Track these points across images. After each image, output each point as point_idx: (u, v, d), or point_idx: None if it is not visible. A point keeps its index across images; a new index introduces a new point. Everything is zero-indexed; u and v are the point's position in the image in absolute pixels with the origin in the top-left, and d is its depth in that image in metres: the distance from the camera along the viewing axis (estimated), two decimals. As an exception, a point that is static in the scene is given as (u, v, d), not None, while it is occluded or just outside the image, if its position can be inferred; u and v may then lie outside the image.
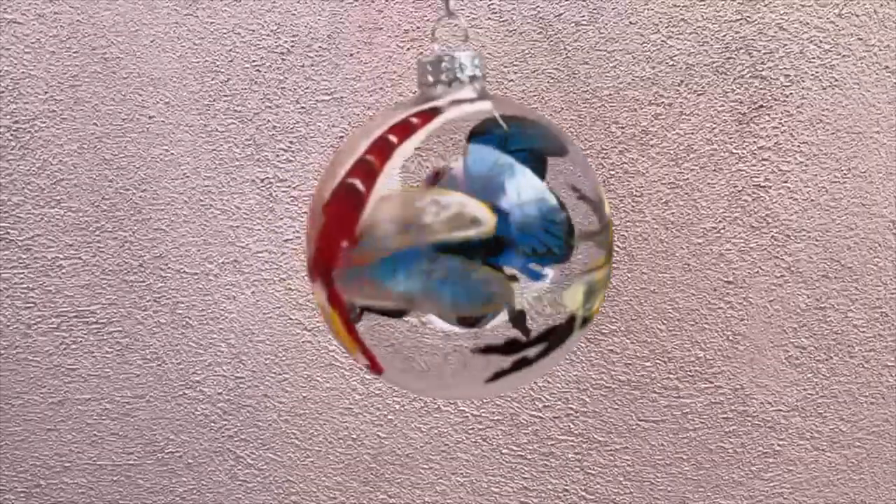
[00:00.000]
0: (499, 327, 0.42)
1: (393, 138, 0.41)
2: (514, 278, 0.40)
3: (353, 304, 0.41)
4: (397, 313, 0.42)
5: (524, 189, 0.40)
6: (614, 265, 0.81)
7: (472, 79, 0.44)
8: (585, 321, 0.43)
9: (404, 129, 0.41)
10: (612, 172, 0.79)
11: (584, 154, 0.80)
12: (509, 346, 0.42)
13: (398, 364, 0.44)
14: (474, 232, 0.39)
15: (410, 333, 0.43)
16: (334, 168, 0.42)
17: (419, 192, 0.41)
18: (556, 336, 0.42)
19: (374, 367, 0.43)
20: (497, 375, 0.42)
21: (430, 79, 0.44)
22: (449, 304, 0.40)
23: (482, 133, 0.42)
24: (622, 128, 0.78)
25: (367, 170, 0.40)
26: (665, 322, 0.83)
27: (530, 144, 0.42)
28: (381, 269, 0.40)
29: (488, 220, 0.40)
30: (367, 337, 0.42)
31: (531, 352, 0.42)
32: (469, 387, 0.46)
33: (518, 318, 0.41)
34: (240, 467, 0.89)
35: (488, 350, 0.42)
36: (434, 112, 0.42)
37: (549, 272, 0.41)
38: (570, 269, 0.42)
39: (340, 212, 0.40)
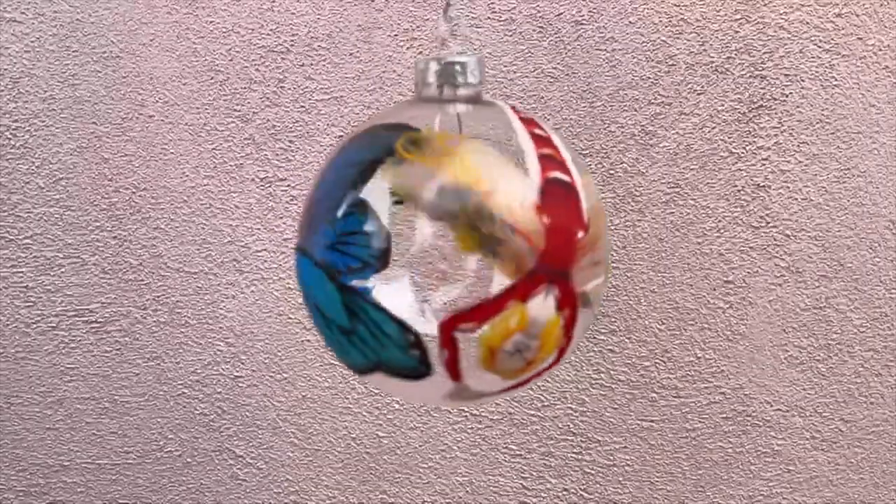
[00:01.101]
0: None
1: (538, 131, 0.42)
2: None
3: (586, 294, 0.41)
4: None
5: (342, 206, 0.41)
6: (615, 264, 0.81)
7: (469, 84, 0.44)
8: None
9: (531, 122, 0.43)
10: (612, 172, 0.79)
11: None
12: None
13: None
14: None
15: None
16: (478, 175, 0.40)
17: (585, 173, 0.43)
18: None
19: (563, 354, 0.42)
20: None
21: (435, 80, 0.44)
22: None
23: None
24: (622, 127, 0.78)
25: (556, 162, 0.41)
26: (665, 322, 0.83)
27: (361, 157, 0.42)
28: (603, 246, 0.42)
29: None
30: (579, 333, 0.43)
31: None
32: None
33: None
34: (239, 466, 0.89)
35: None
36: (516, 108, 0.44)
37: (372, 283, 0.40)
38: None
39: (564, 206, 0.40)
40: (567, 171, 0.41)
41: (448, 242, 0.40)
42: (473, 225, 0.39)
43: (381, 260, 0.40)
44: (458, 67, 0.44)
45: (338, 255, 0.41)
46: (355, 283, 0.40)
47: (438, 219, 0.39)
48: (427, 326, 0.40)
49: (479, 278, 0.40)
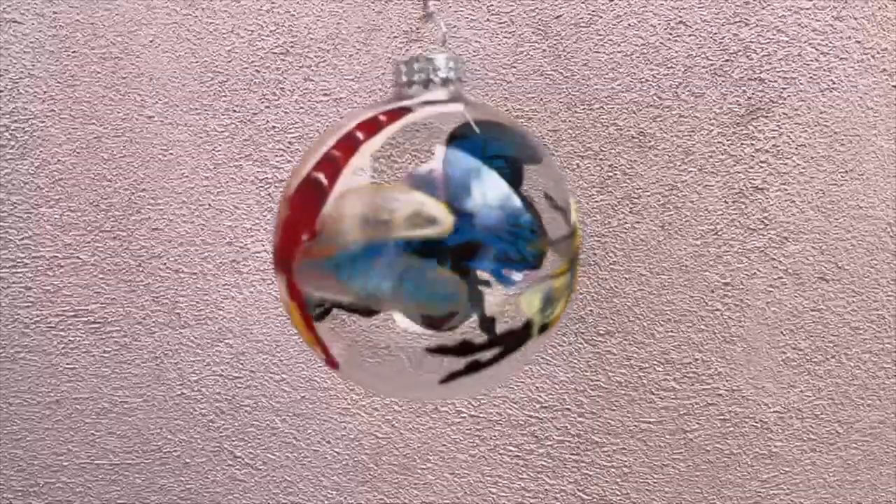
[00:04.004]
0: (458, 329, 0.42)
1: (359, 135, 0.42)
2: (486, 283, 0.41)
3: (311, 296, 0.42)
4: (364, 310, 0.42)
5: (495, 194, 0.40)
6: (613, 266, 0.82)
7: (446, 81, 0.44)
8: (544, 328, 0.43)
9: (371, 127, 0.42)
10: (611, 174, 0.79)
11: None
12: (462, 348, 0.42)
13: (355, 360, 0.44)
14: (431, 231, 0.40)
15: (368, 331, 0.43)
16: (303, 163, 0.43)
17: (380, 189, 0.41)
18: (511, 341, 0.42)
19: (329, 362, 0.43)
20: (451, 377, 0.42)
21: (404, 79, 0.44)
22: (405, 302, 0.41)
23: (461, 137, 0.42)
24: (620, 129, 0.78)
25: (332, 165, 0.41)
26: (663, 323, 0.83)
27: (507, 152, 0.42)
28: (338, 262, 0.41)
29: (445, 220, 0.40)
30: (327, 331, 0.42)
31: (485, 355, 0.42)
32: (423, 387, 0.46)
33: (487, 324, 0.42)
34: (237, 467, 0.89)
35: (441, 350, 0.42)
36: (403, 111, 0.42)
37: (520, 277, 0.41)
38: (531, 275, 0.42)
39: (304, 205, 0.41)
40: (333, 176, 0.41)
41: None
42: None
43: (538, 262, 0.43)
44: (434, 66, 0.44)
45: (503, 242, 0.44)
46: (505, 272, 0.43)
47: None
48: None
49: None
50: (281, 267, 0.42)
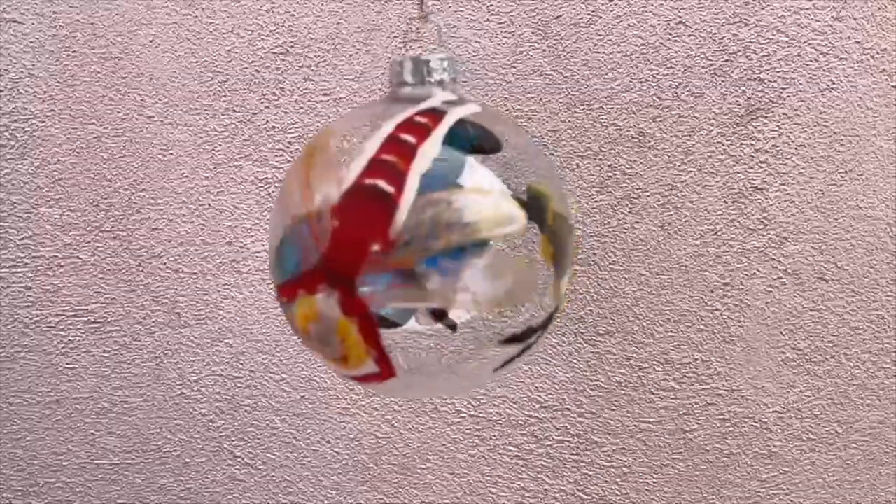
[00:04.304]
0: (519, 317, 0.42)
1: (409, 138, 0.40)
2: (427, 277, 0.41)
3: (384, 308, 0.40)
4: (440, 313, 0.41)
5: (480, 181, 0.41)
6: (612, 266, 0.82)
7: (442, 82, 0.44)
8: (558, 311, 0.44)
9: (418, 130, 0.41)
10: (610, 174, 0.79)
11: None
12: (526, 334, 0.42)
13: (416, 365, 0.43)
14: (511, 228, 0.40)
15: (402, 336, 0.42)
16: (322, 170, 0.41)
17: (453, 191, 0.40)
18: (547, 324, 0.43)
19: (387, 373, 0.41)
20: (506, 363, 0.42)
21: (409, 79, 0.44)
22: (491, 295, 0.41)
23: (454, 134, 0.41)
24: (620, 130, 0.79)
25: (391, 170, 0.39)
26: (662, 323, 0.83)
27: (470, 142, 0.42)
28: (421, 270, 0.39)
29: (521, 216, 0.40)
30: (395, 342, 0.41)
31: (534, 337, 0.43)
32: (477, 379, 0.45)
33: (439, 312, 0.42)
34: (237, 467, 0.89)
35: (512, 340, 0.42)
36: (438, 113, 0.42)
37: (458, 266, 0.40)
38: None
39: (364, 215, 0.39)
40: (397, 183, 0.39)
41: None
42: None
43: None
44: (431, 66, 0.44)
45: None
46: None
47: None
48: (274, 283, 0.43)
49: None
50: (327, 283, 0.39)
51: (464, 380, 0.46)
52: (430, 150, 0.40)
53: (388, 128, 0.40)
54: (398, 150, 0.39)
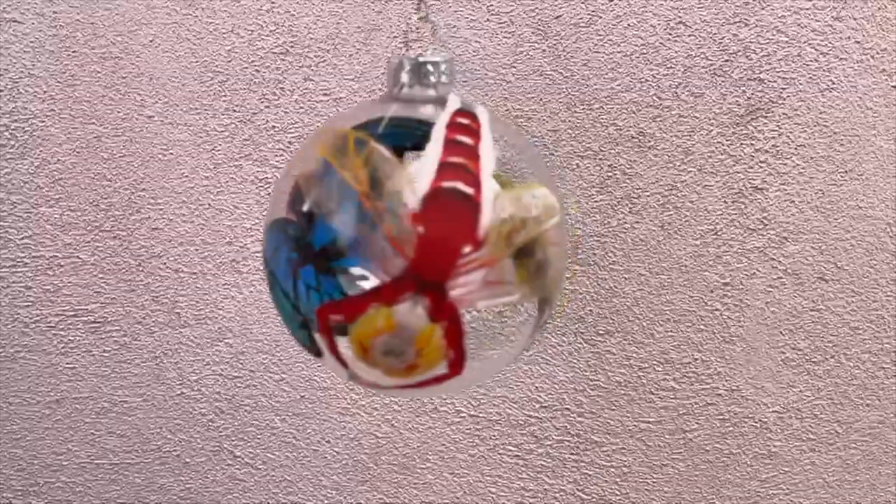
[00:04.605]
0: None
1: (465, 139, 0.41)
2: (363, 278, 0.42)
3: (473, 308, 0.41)
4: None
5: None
6: (612, 266, 0.82)
7: (440, 84, 0.45)
8: None
9: (467, 131, 0.42)
10: (610, 174, 0.80)
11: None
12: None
13: (482, 354, 0.44)
14: (556, 218, 0.41)
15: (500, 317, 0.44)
16: (403, 176, 0.40)
17: (518, 188, 0.42)
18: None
19: (455, 372, 0.42)
20: (535, 329, 0.45)
21: (406, 79, 0.45)
22: (551, 285, 0.43)
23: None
24: (620, 130, 0.79)
25: (464, 172, 0.40)
26: (662, 323, 0.83)
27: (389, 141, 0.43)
28: (506, 266, 0.41)
29: (558, 206, 0.42)
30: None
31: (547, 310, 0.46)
32: (518, 352, 0.47)
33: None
34: (237, 466, 0.89)
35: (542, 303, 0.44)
36: (471, 113, 0.43)
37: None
38: None
39: (450, 218, 0.39)
40: (474, 184, 0.40)
41: None
42: None
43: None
44: (429, 67, 0.45)
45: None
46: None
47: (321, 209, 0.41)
48: (308, 310, 0.42)
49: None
50: (419, 290, 0.39)
51: (495, 366, 0.47)
52: (488, 149, 0.41)
53: (440, 131, 0.41)
54: (462, 152, 0.40)
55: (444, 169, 0.40)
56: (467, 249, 0.39)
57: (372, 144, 0.41)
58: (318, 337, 0.42)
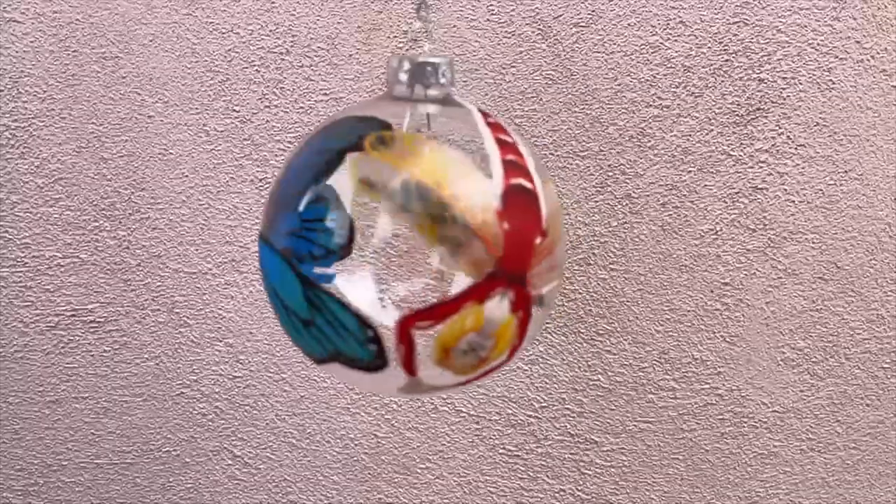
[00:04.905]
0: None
1: (504, 137, 0.43)
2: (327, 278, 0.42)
3: (540, 294, 0.43)
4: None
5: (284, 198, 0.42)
6: (612, 266, 0.82)
7: (442, 84, 0.46)
8: None
9: (500, 128, 0.44)
10: (610, 174, 0.80)
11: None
12: None
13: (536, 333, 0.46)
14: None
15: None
16: (475, 177, 0.41)
17: (544, 181, 0.44)
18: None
19: (511, 357, 0.44)
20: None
21: (408, 79, 0.45)
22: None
23: None
24: (620, 129, 0.79)
25: (519, 168, 0.42)
26: (662, 323, 0.83)
27: (331, 144, 0.43)
28: (559, 254, 0.44)
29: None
30: (538, 321, 0.44)
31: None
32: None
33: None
34: (237, 466, 0.89)
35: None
36: (487, 112, 0.45)
37: (334, 270, 0.41)
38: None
39: (521, 213, 0.41)
40: (529, 178, 0.42)
41: (409, 241, 0.41)
42: (434, 226, 0.40)
43: (345, 249, 0.41)
44: (429, 68, 0.45)
45: (302, 241, 0.41)
46: (317, 270, 0.41)
47: (400, 216, 0.41)
48: (385, 321, 0.41)
49: (440, 277, 0.41)
50: (508, 282, 0.40)
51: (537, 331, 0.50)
52: (524, 145, 0.44)
53: (483, 129, 0.43)
54: (510, 150, 0.43)
55: (507, 166, 0.42)
56: (538, 240, 0.41)
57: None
58: (392, 348, 0.41)
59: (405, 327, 0.41)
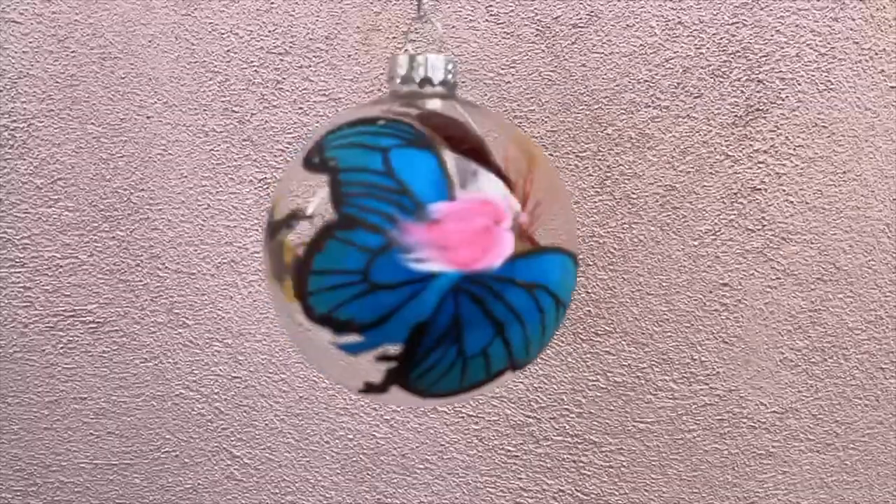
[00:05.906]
0: None
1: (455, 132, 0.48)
2: None
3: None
4: None
5: None
6: (611, 267, 0.82)
7: (445, 83, 0.47)
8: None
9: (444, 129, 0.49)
10: (609, 174, 0.80)
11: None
12: None
13: None
14: None
15: None
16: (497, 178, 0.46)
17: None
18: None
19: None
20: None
21: (414, 77, 0.47)
22: None
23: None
24: (619, 130, 0.79)
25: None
26: (660, 324, 0.83)
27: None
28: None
29: None
30: None
31: None
32: None
33: None
34: (236, 467, 0.89)
35: None
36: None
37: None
38: None
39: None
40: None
41: None
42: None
43: None
44: (429, 66, 0.46)
45: None
46: None
47: None
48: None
49: None
50: (526, 239, 0.46)
51: None
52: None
53: (486, 132, 0.48)
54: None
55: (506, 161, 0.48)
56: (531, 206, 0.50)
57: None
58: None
59: None
